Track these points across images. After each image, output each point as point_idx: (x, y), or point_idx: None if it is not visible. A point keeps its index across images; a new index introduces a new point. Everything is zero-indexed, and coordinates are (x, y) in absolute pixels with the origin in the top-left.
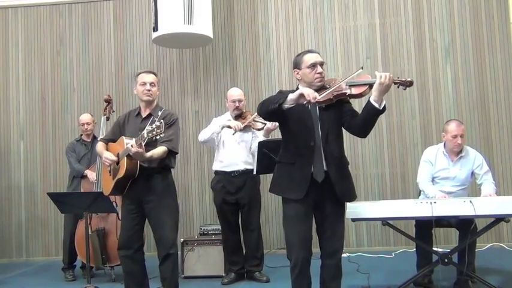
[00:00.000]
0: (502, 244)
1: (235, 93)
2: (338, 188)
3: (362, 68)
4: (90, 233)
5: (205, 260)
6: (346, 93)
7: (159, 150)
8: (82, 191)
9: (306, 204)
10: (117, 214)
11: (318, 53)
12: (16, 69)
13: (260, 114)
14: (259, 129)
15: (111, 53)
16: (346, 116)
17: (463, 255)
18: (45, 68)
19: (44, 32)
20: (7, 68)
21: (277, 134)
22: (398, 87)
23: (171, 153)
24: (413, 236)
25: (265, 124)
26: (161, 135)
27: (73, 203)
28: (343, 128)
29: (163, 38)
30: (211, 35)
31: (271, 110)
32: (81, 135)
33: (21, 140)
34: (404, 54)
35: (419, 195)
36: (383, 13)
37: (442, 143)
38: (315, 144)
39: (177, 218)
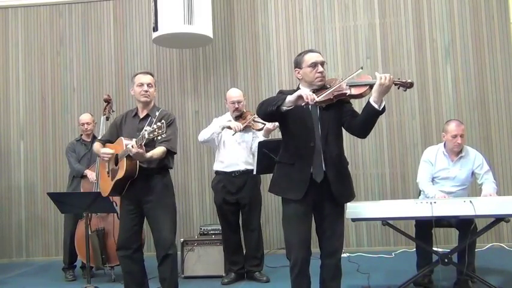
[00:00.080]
0: (502, 244)
1: (234, 94)
2: (335, 188)
3: (362, 68)
4: (90, 233)
5: (205, 260)
6: (346, 93)
7: (159, 151)
8: (82, 191)
9: (306, 204)
10: (117, 214)
11: (319, 53)
12: (16, 69)
13: (259, 115)
14: (259, 130)
15: (111, 53)
16: (346, 116)
17: (463, 255)
18: (45, 68)
19: (44, 32)
20: (7, 68)
21: (277, 134)
22: (398, 88)
23: (170, 153)
24: (413, 236)
25: (265, 124)
26: (162, 136)
27: (73, 203)
28: (343, 128)
29: (163, 38)
30: (211, 35)
31: (269, 111)
32: (81, 135)
33: (21, 140)
34: (404, 54)
35: (419, 195)
36: (383, 13)
37: (442, 143)
38: (314, 144)
39: (175, 218)
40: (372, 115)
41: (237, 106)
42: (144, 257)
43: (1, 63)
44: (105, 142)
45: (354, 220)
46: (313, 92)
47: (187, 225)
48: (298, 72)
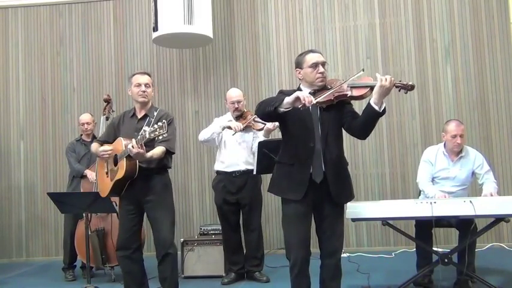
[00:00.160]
0: (502, 244)
1: (234, 94)
2: (334, 189)
3: (363, 70)
4: (90, 233)
5: (205, 260)
6: (347, 94)
7: (158, 151)
8: (82, 190)
9: (305, 205)
10: (117, 214)
11: (320, 53)
12: (16, 69)
13: (257, 115)
14: (259, 130)
15: (111, 53)
16: (346, 117)
17: (463, 255)
18: (45, 68)
19: (44, 32)
20: (7, 68)
21: (277, 134)
22: (399, 90)
23: (169, 153)
24: (413, 236)
25: (265, 124)
26: (164, 135)
27: (73, 203)
28: (343, 129)
29: (163, 38)
30: (211, 35)
31: (267, 112)
32: (81, 135)
33: (21, 140)
34: (404, 54)
35: (419, 195)
36: (383, 13)
37: (442, 143)
38: (314, 145)
39: (174, 218)
40: (372, 117)
41: (237, 106)
42: (143, 257)
43: (1, 63)
44: (103, 143)
45: (354, 220)
46: (314, 93)
47: (187, 225)
48: (299, 73)
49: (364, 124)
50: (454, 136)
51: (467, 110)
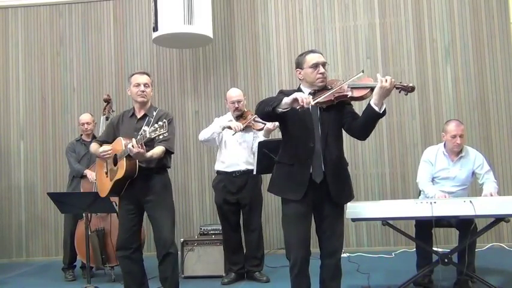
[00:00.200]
0: (502, 244)
1: (234, 94)
2: (334, 189)
3: (363, 72)
4: (90, 233)
5: (205, 260)
6: (347, 95)
7: (158, 150)
8: (82, 190)
9: (305, 205)
10: (117, 214)
11: (321, 53)
12: (16, 69)
13: (257, 114)
14: (259, 130)
15: (111, 53)
16: (346, 117)
17: (463, 255)
18: (45, 68)
19: (44, 32)
20: (7, 68)
21: (277, 134)
22: (399, 92)
23: (168, 153)
24: (413, 236)
25: (266, 124)
26: (164, 135)
27: (73, 203)
28: (343, 130)
29: (163, 38)
30: (211, 35)
31: (266, 112)
32: (81, 135)
33: (21, 140)
34: (404, 54)
35: (419, 195)
36: (383, 13)
37: (442, 143)
38: (314, 145)
39: (174, 218)
40: (372, 117)
41: (237, 106)
42: (143, 257)
43: (1, 63)
44: (102, 143)
45: (354, 220)
46: (314, 93)
47: (187, 225)
48: (300, 73)
49: (364, 125)
50: (454, 136)
51: (467, 110)
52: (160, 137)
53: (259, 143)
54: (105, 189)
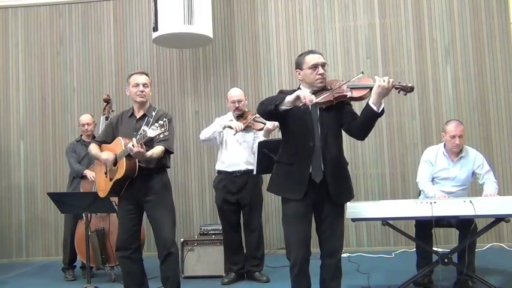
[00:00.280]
0: (502, 244)
1: (234, 93)
2: (333, 189)
3: (362, 73)
4: (90, 233)
5: (205, 260)
6: (346, 95)
7: (158, 150)
8: (82, 191)
9: (305, 204)
10: (117, 214)
11: (321, 54)
12: (16, 69)
13: (259, 113)
14: (259, 130)
15: (111, 53)
16: (346, 117)
17: (463, 255)
18: (45, 68)
19: (44, 32)
20: (7, 68)
21: (277, 134)
22: (399, 92)
23: (167, 153)
24: (413, 236)
25: (265, 124)
26: (165, 134)
27: (73, 203)
28: (342, 130)
29: (163, 38)
30: (211, 35)
31: (268, 110)
32: (81, 135)
33: (21, 140)
34: (404, 54)
35: (419, 195)
36: (383, 13)
37: (442, 143)
38: (314, 145)
39: (174, 217)
40: (370, 117)
41: (237, 105)
42: (143, 257)
43: (1, 63)
44: (101, 143)
45: (354, 220)
46: (314, 93)
47: (187, 225)
48: (299, 73)
49: (363, 124)
50: (453, 136)
51: (467, 110)
52: (161, 136)
53: (259, 143)
54: (104, 190)
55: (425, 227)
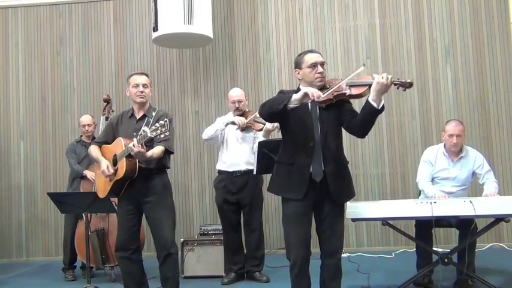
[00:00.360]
0: (502, 244)
1: (235, 93)
2: (333, 187)
3: (364, 65)
4: (90, 233)
5: (205, 260)
6: (345, 93)
7: (158, 150)
8: (82, 191)
9: (306, 204)
10: (117, 214)
11: (319, 53)
12: (16, 69)
13: (262, 115)
14: (259, 130)
15: (111, 53)
16: (346, 116)
17: (463, 255)
18: (45, 68)
19: (44, 32)
20: (7, 68)
21: (277, 134)
22: (398, 88)
23: (167, 153)
24: (413, 236)
25: (265, 124)
26: (166, 134)
27: (73, 203)
28: (342, 128)
29: (163, 38)
30: (211, 35)
31: (275, 111)
32: (81, 136)
33: (21, 140)
34: (404, 55)
35: (419, 195)
36: (383, 13)
37: (443, 143)
38: (314, 144)
39: (174, 217)
40: (370, 114)
41: (237, 106)
42: (143, 257)
43: (1, 63)
44: (101, 144)
45: (354, 220)
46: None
47: (187, 225)
48: (298, 73)
49: (363, 122)
50: (451, 135)
51: (467, 110)
52: (162, 136)
53: (259, 143)
54: (104, 190)
55: (425, 227)
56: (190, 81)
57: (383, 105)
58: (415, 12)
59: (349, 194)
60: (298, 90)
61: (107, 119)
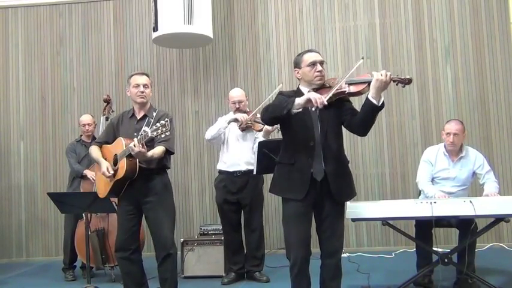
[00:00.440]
0: (502, 244)
1: (235, 94)
2: (334, 186)
3: (363, 58)
4: (90, 233)
5: (205, 260)
6: (345, 91)
7: (158, 150)
8: (82, 191)
9: (306, 204)
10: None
11: (318, 53)
12: (16, 69)
13: (264, 120)
14: (259, 130)
15: (111, 53)
16: (346, 114)
17: (463, 255)
18: (45, 68)
19: (44, 32)
20: (7, 68)
21: (276, 134)
22: (397, 84)
23: (168, 153)
24: (413, 236)
25: (264, 125)
26: (166, 134)
27: (73, 203)
28: (343, 127)
29: (163, 38)
30: (211, 35)
31: (279, 116)
32: (81, 135)
33: (21, 140)
34: (404, 54)
35: (419, 195)
36: (383, 13)
37: (443, 143)
38: (314, 143)
39: (174, 218)
40: (370, 111)
41: (238, 106)
42: (143, 257)
43: (1, 63)
44: (102, 144)
45: (354, 220)
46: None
47: (187, 225)
48: (298, 72)
49: (363, 119)
50: (448, 134)
51: (467, 110)
52: (162, 135)
53: (259, 143)
54: (104, 190)
55: (425, 227)
56: (190, 81)
57: (383, 102)
58: (415, 12)
59: (350, 193)
60: (298, 90)
61: (107, 119)
